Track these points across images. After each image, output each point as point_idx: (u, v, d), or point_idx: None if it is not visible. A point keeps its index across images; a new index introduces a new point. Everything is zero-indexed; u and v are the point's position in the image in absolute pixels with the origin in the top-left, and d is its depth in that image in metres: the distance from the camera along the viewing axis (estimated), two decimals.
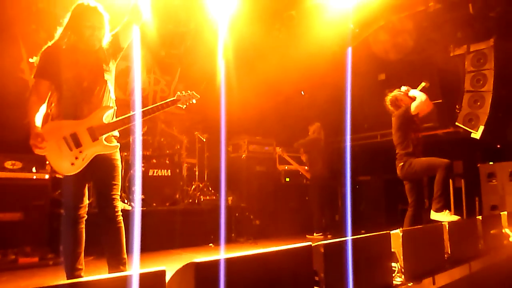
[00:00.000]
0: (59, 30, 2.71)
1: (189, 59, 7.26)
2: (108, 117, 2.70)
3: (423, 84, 4.68)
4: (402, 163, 4.53)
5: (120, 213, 2.70)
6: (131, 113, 2.78)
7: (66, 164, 2.54)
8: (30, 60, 2.71)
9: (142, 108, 2.78)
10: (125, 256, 2.65)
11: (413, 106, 4.46)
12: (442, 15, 6.27)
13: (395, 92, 4.75)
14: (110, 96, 2.79)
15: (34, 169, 4.29)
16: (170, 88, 7.56)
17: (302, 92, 8.99)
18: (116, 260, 2.62)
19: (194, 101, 3.07)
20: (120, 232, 2.66)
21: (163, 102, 2.91)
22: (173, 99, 2.98)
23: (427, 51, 7.13)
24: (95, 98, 2.69)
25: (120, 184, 2.76)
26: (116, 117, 2.79)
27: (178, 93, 3.02)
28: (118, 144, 2.75)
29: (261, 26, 6.83)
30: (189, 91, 3.03)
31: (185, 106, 3.04)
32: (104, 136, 2.65)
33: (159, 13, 5.92)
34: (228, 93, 5.44)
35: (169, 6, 6.12)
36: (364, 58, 7.15)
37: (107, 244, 2.66)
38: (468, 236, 3.96)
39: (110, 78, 2.80)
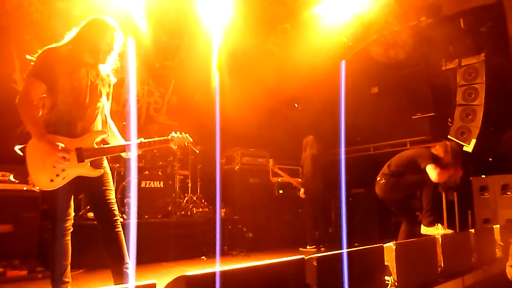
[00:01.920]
0: (68, 37, 2.65)
1: (183, 71, 7.28)
2: (99, 141, 2.67)
3: None
4: (384, 180, 4.43)
5: (118, 217, 2.66)
6: (123, 143, 2.78)
7: (46, 179, 2.48)
8: (28, 56, 2.57)
9: (135, 140, 2.76)
10: (128, 260, 2.61)
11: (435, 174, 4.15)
12: (434, 30, 6.38)
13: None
14: (106, 117, 2.78)
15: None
16: (164, 99, 7.56)
17: (296, 105, 9.03)
18: (120, 266, 2.58)
19: (187, 144, 3.03)
20: (120, 237, 2.62)
21: (156, 139, 2.87)
22: (166, 139, 2.93)
23: (420, 65, 7.23)
24: (89, 116, 2.66)
25: (113, 189, 2.73)
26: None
27: (173, 133, 2.96)
28: (101, 170, 2.67)
29: (255, 39, 6.90)
30: (183, 133, 2.99)
31: (176, 147, 2.99)
32: (90, 159, 2.61)
33: (153, 25, 5.97)
34: (221, 105, 5.44)
35: (164, 19, 6.17)
36: (357, 71, 7.23)
37: (108, 251, 2.62)
38: (461, 250, 3.97)
39: (106, 100, 2.78)
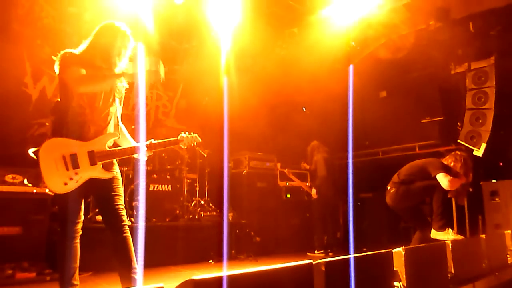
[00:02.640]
0: (83, 45, 2.70)
1: (191, 75, 7.32)
2: (111, 144, 2.70)
3: None
4: (394, 189, 4.40)
5: (126, 223, 2.69)
6: (134, 144, 2.81)
7: (59, 182, 2.52)
8: (53, 57, 2.63)
9: (145, 142, 2.79)
10: (136, 265, 2.63)
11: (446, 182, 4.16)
12: (443, 34, 6.33)
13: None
14: (118, 121, 2.81)
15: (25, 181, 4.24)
16: (172, 103, 7.60)
17: (304, 109, 9.02)
18: (127, 271, 2.60)
19: (195, 143, 3.05)
20: (127, 242, 2.64)
21: (165, 140, 2.91)
22: (176, 139, 2.97)
23: (428, 69, 7.18)
24: (103, 121, 2.70)
25: (122, 194, 2.75)
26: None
27: (182, 134, 3.00)
28: (113, 173, 2.71)
29: (263, 43, 6.91)
30: (192, 133, 3.03)
31: (186, 147, 3.03)
32: (103, 162, 2.64)
33: (162, 29, 6.00)
34: (229, 109, 5.45)
35: (172, 23, 6.21)
36: (365, 75, 7.20)
37: (116, 255, 2.64)
38: (472, 255, 3.91)
39: (119, 106, 2.82)
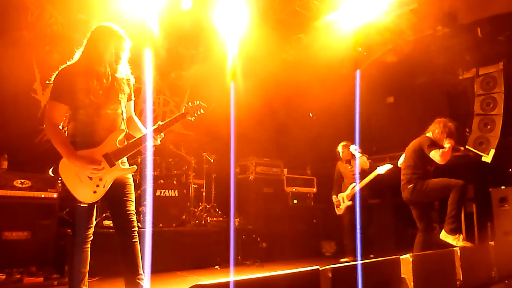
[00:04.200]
0: (78, 52, 2.69)
1: (198, 80, 7.35)
2: (120, 141, 2.70)
3: None
4: (412, 185, 4.46)
5: (136, 229, 2.69)
6: (142, 134, 2.78)
7: (88, 192, 2.55)
8: (48, 82, 2.64)
9: (152, 127, 2.77)
10: (141, 272, 2.63)
11: (438, 157, 4.39)
12: (451, 39, 6.31)
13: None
14: (124, 121, 2.81)
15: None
16: (180, 109, 7.63)
17: (311, 114, 9.01)
18: (133, 277, 2.60)
19: (202, 111, 2.98)
20: (135, 248, 2.65)
21: (172, 117, 2.86)
22: (181, 113, 2.90)
23: (436, 74, 7.14)
24: (111, 125, 2.70)
25: (134, 200, 2.75)
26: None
27: (185, 105, 2.95)
28: (134, 166, 2.77)
29: (270, 49, 6.93)
30: (196, 102, 2.96)
31: (193, 118, 2.96)
32: (120, 160, 2.67)
33: (169, 35, 6.05)
34: (236, 115, 5.47)
35: (179, 29, 6.26)
36: (372, 81, 7.18)
37: (123, 260, 2.64)
38: (481, 263, 3.86)
39: (124, 102, 2.81)
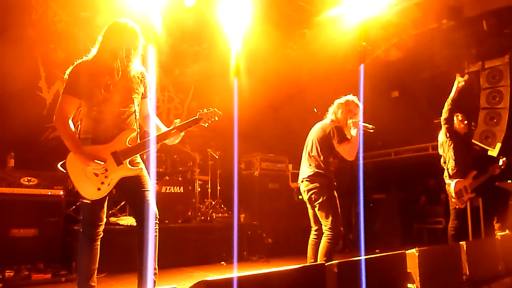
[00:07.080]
0: (94, 48, 2.69)
1: (202, 77, 7.35)
2: (131, 140, 2.69)
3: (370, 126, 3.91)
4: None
5: (157, 221, 2.68)
6: (153, 136, 2.76)
7: (93, 189, 2.55)
8: (65, 77, 2.63)
9: (164, 130, 2.77)
10: (156, 266, 2.63)
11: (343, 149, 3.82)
12: (456, 32, 6.25)
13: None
14: (136, 119, 2.79)
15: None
16: (184, 106, 7.65)
17: (315, 109, 8.98)
18: (147, 272, 2.58)
19: (216, 118, 2.92)
20: (154, 242, 2.63)
21: (184, 122, 2.82)
22: (195, 118, 2.86)
23: (441, 68, 7.09)
24: (124, 122, 2.69)
25: (151, 189, 2.73)
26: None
27: (200, 111, 2.90)
28: (142, 167, 2.75)
29: (273, 44, 6.90)
30: (210, 109, 2.90)
31: (207, 124, 2.91)
32: (128, 159, 2.64)
33: (173, 32, 6.05)
34: (240, 111, 5.46)
35: (183, 26, 6.25)
36: (376, 76, 7.14)
37: (139, 253, 2.60)
38: (487, 257, 3.85)
39: (137, 101, 2.79)
